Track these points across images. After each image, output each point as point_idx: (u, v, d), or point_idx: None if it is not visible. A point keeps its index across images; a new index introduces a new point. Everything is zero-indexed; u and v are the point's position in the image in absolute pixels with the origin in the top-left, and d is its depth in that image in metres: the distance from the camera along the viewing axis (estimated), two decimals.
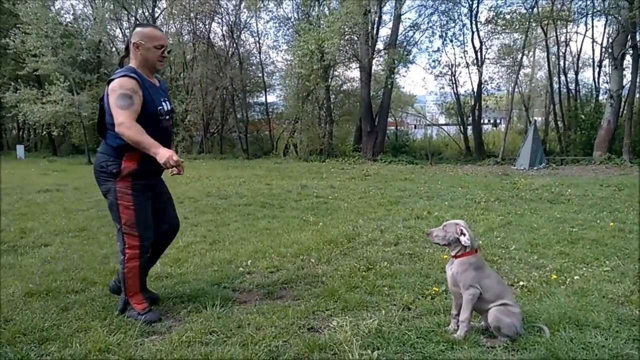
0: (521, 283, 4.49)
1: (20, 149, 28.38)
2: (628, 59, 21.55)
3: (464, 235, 3.38)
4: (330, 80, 26.31)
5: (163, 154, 3.48)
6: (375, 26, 25.00)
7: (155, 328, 3.60)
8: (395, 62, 23.98)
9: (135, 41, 3.77)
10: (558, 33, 25.29)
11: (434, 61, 27.76)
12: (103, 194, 3.85)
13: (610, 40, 22.41)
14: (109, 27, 29.46)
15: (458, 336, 3.31)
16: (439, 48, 37.39)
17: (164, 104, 3.86)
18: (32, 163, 23.43)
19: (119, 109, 3.52)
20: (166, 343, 3.30)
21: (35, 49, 22.71)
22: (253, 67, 31.30)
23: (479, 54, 25.80)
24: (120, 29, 31.72)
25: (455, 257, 3.45)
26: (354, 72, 28.10)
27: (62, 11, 29.68)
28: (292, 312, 3.80)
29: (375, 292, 4.30)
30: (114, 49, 32.53)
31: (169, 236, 4.25)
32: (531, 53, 29.62)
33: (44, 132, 29.59)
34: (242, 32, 30.31)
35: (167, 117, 3.90)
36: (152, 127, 3.66)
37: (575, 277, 4.63)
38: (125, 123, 3.49)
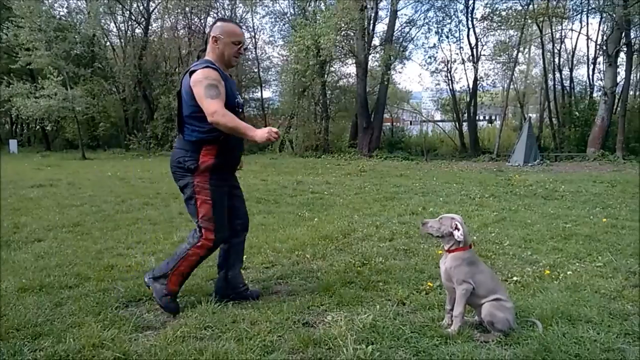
0: (515, 278, 4.51)
1: (13, 143, 28.26)
2: (622, 57, 21.66)
3: (458, 230, 3.40)
4: (326, 76, 26.31)
5: (261, 134, 3.49)
6: (371, 22, 25.06)
7: (150, 323, 3.59)
8: (392, 58, 24.01)
9: (215, 35, 3.78)
10: (553, 30, 25.36)
11: (429, 57, 27.84)
12: (180, 188, 3.87)
13: (605, 37, 22.50)
14: (103, 21, 29.30)
15: (452, 331, 3.32)
16: (434, 44, 37.34)
17: (238, 96, 3.93)
18: (26, 158, 23.33)
19: (210, 99, 3.52)
20: (161, 338, 3.29)
21: (29, 43, 22.53)
22: (249, 62, 31.24)
23: (474, 50, 25.92)
24: (115, 23, 31.59)
25: (449, 251, 3.47)
26: (350, 68, 28.17)
27: (55, 4, 29.59)
28: (287, 307, 3.80)
29: (370, 288, 4.30)
30: (108, 43, 32.40)
31: (243, 233, 4.22)
32: (526, 50, 29.69)
33: (38, 127, 29.54)
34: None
35: (241, 110, 3.96)
36: None
37: (568, 273, 4.65)
38: (218, 111, 3.49)
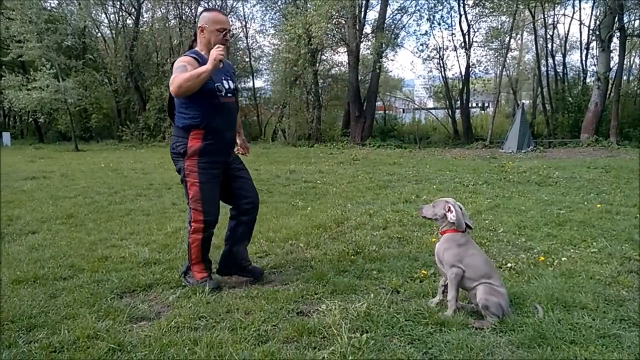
0: (509, 265, 4.52)
1: (6, 136, 28.03)
2: (615, 41, 21.62)
3: (451, 212, 3.48)
4: (318, 64, 26.17)
5: (210, 61, 3.63)
6: (362, 9, 24.89)
7: (144, 314, 3.58)
8: (383, 45, 23.88)
9: (201, 25, 4.03)
10: (545, 15, 25.30)
11: (422, 44, 27.82)
12: (177, 172, 4.13)
13: (598, 22, 22.41)
14: (94, 12, 29.08)
15: (446, 315, 3.35)
16: (426, 31, 37.36)
17: (224, 82, 4.06)
18: (19, 150, 23.19)
19: (174, 74, 3.72)
20: (155, 329, 3.29)
21: (20, 35, 22.33)
22: (240, 51, 31.06)
23: (466, 37, 25.81)
24: (106, 14, 31.31)
25: (442, 233, 3.56)
26: (342, 57, 27.97)
27: None
28: (281, 297, 3.80)
29: (364, 276, 4.31)
30: (99, 34, 32.15)
31: (252, 213, 4.37)
32: (519, 36, 29.63)
33: (30, 119, 29.33)
34: (229, 16, 30.05)
35: (229, 94, 4.10)
36: (209, 102, 3.91)
37: (563, 259, 4.67)
38: (173, 78, 3.68)
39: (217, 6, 28.82)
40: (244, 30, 30.47)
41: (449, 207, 3.50)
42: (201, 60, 3.86)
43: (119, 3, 30.10)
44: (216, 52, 3.66)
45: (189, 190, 4.02)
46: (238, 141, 4.52)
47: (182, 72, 3.69)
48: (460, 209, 3.54)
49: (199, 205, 4.00)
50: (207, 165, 3.99)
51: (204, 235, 4.07)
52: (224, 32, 4.00)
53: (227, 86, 4.07)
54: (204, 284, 4.01)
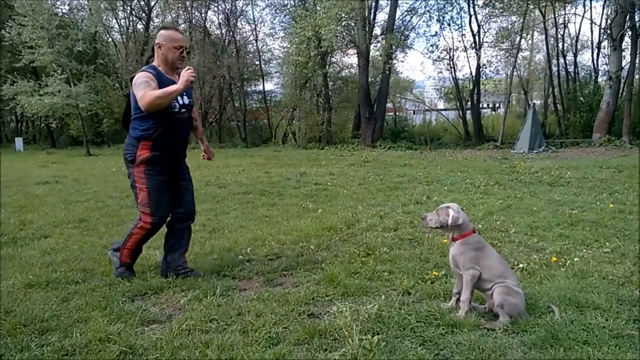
0: (521, 266, 4.50)
1: (19, 141, 28.26)
2: (627, 40, 21.46)
3: (448, 215, 3.50)
4: (327, 67, 26.21)
5: (182, 82, 3.98)
6: (372, 11, 24.91)
7: (156, 317, 3.60)
8: (393, 47, 23.86)
9: (158, 42, 4.27)
10: (556, 15, 25.15)
11: (431, 46, 27.63)
12: (128, 176, 4.45)
13: (609, 21, 22.25)
14: (104, 17, 29.24)
15: (458, 316, 3.34)
16: (436, 32, 37.23)
17: (179, 98, 4.27)
18: (31, 155, 23.36)
19: (140, 90, 4.00)
20: (166, 331, 3.30)
21: (32, 41, 22.50)
22: (250, 55, 31.13)
23: (477, 37, 25.72)
24: (116, 19, 31.50)
25: (455, 239, 3.53)
26: (352, 59, 27.98)
27: (57, 2, 29.53)
28: (292, 299, 3.80)
29: (375, 278, 4.30)
30: (110, 39, 32.35)
31: (185, 221, 4.63)
32: (529, 36, 29.45)
33: (43, 124, 29.53)
34: (239, 19, 30.20)
35: (183, 110, 4.37)
36: (163, 117, 4.20)
37: (575, 259, 4.63)
38: (144, 94, 3.96)
39: (226, 10, 28.96)
40: (254, 33, 30.58)
41: (450, 212, 3.50)
42: (158, 75, 4.15)
43: (129, 8, 30.30)
44: (187, 74, 3.98)
45: (138, 196, 4.32)
46: (202, 147, 5.00)
47: (147, 88, 3.98)
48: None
49: (147, 209, 4.30)
50: (153, 172, 4.30)
51: (145, 234, 4.39)
52: (180, 50, 4.28)
53: (181, 102, 4.32)
54: (122, 270, 4.41)
